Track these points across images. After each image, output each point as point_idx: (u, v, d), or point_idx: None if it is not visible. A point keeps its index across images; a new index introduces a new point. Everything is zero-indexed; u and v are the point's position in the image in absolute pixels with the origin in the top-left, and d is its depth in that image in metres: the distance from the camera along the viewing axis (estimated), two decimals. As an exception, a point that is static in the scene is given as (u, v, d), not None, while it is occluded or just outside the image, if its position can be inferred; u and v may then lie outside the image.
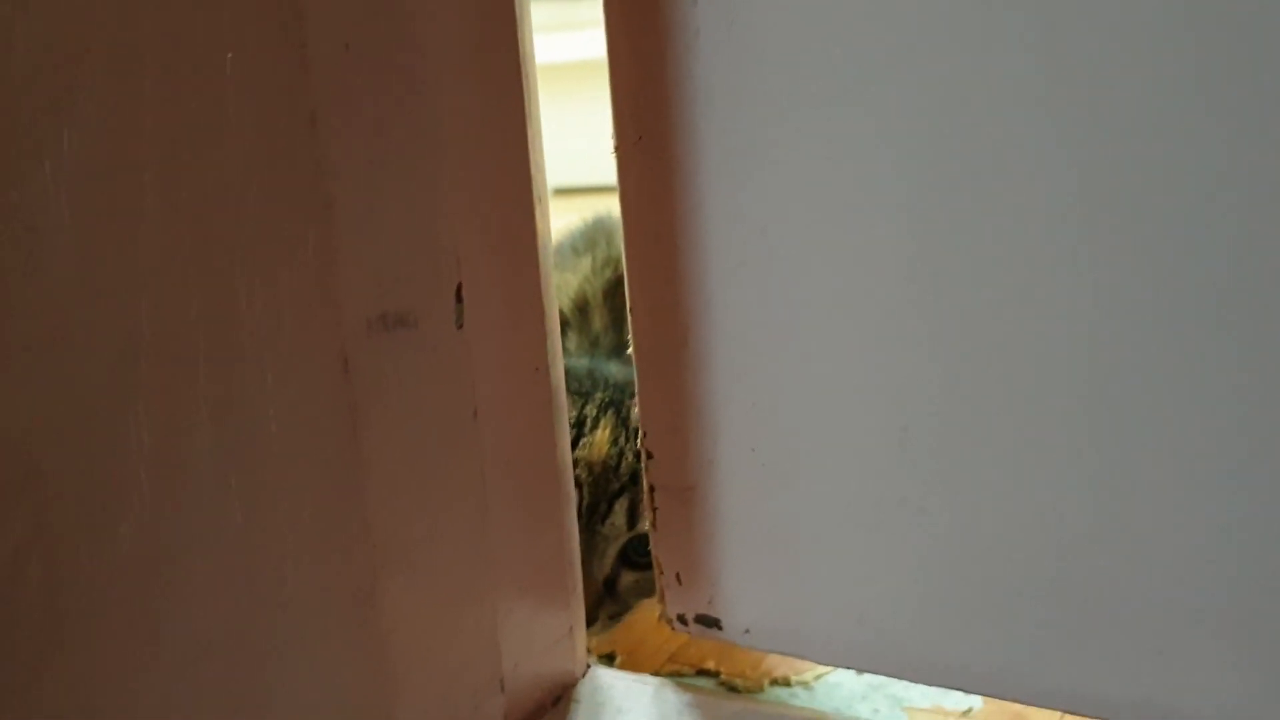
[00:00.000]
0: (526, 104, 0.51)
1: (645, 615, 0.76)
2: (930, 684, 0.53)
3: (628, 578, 0.74)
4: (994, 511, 0.49)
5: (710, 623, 0.59)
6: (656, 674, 0.67)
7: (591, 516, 0.72)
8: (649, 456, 0.58)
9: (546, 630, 0.54)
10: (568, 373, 0.77)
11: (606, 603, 0.73)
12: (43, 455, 0.32)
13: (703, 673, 0.69)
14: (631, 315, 0.57)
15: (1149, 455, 0.46)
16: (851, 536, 0.53)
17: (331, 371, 0.39)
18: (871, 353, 0.50)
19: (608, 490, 0.72)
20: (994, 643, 0.51)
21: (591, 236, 0.87)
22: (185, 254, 0.35)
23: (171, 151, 0.34)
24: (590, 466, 0.72)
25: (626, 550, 0.73)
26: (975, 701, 0.64)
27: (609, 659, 0.72)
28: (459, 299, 0.45)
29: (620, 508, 0.72)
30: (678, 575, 0.60)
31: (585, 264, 0.84)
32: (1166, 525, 0.46)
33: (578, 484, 0.72)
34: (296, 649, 0.39)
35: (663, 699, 0.55)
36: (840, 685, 0.67)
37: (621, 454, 0.73)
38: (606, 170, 0.53)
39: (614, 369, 0.77)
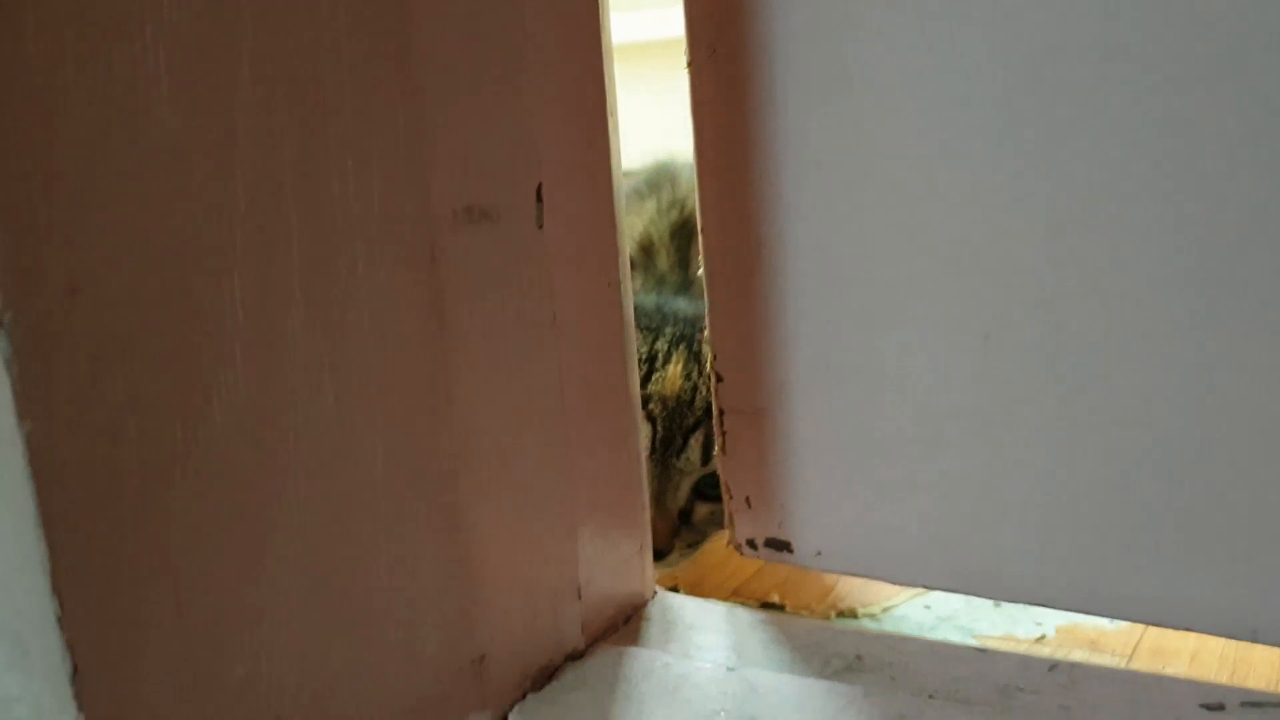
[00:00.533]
0: (601, 19, 0.51)
1: (708, 552, 0.76)
2: (1010, 600, 0.53)
3: (702, 509, 0.74)
4: (1081, 423, 0.49)
5: (780, 546, 0.59)
6: (722, 606, 0.67)
7: (666, 450, 0.73)
8: (719, 380, 0.58)
9: (618, 549, 0.54)
10: (636, 309, 0.77)
11: (683, 532, 0.74)
12: (141, 321, 0.33)
13: (767, 605, 0.68)
14: (702, 235, 0.57)
15: (1248, 364, 0.45)
16: (929, 453, 0.53)
17: (420, 258, 0.39)
18: (952, 259, 0.50)
19: (682, 425, 0.73)
20: (1077, 557, 0.50)
21: (655, 180, 0.87)
22: (279, 126, 0.35)
23: (267, 20, 0.34)
24: (664, 400, 0.73)
25: (699, 485, 0.74)
26: (1047, 629, 0.63)
27: (672, 591, 0.71)
28: (539, 199, 0.44)
29: (695, 443, 0.72)
30: (747, 499, 0.59)
31: (650, 207, 0.84)
32: (1264, 434, 0.45)
33: (651, 418, 0.72)
34: (386, 532, 0.39)
35: (735, 617, 0.54)
36: (907, 617, 0.67)
37: (695, 388, 0.73)
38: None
39: (682, 304, 0.77)
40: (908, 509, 0.54)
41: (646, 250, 0.83)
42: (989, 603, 0.68)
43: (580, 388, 0.49)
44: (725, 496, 0.60)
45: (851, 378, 0.54)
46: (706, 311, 0.58)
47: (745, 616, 0.55)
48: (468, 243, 0.41)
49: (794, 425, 0.56)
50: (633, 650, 0.49)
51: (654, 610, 0.56)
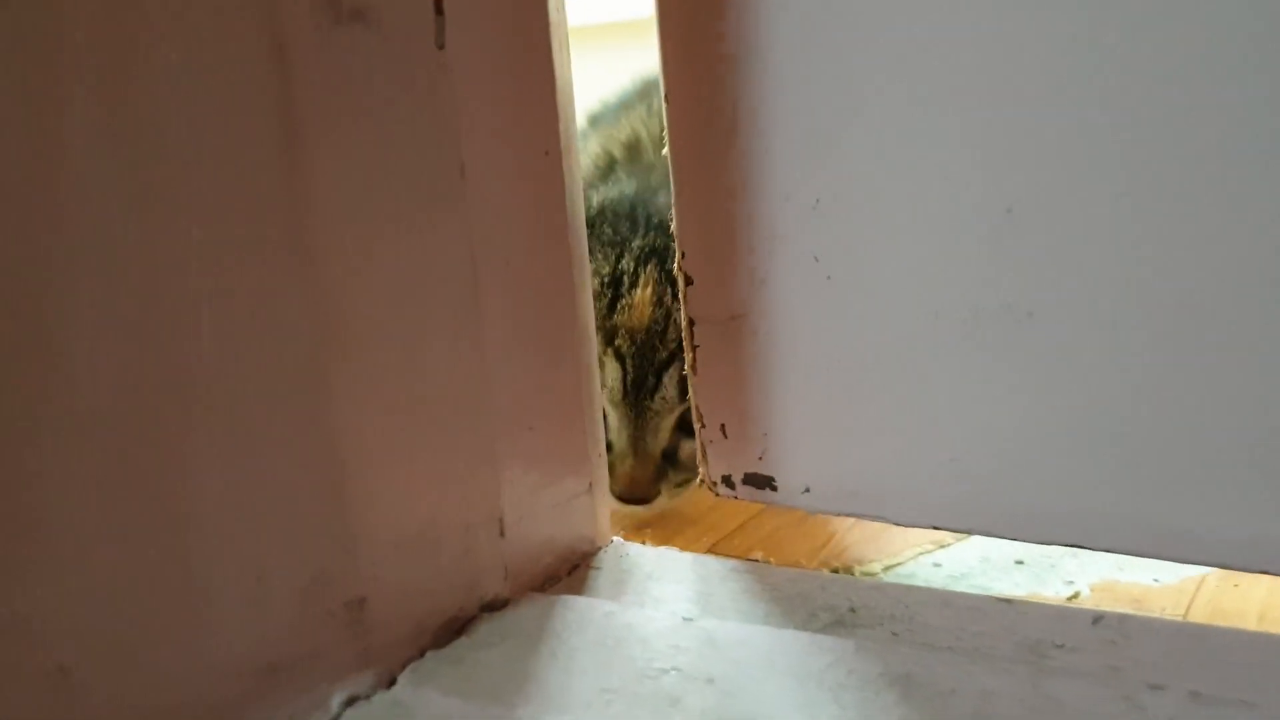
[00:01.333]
0: None
1: (679, 507, 0.65)
2: (1045, 541, 0.43)
3: (688, 446, 0.64)
4: (1121, 315, 0.39)
5: (762, 483, 0.49)
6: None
7: (639, 393, 0.62)
8: (688, 283, 0.48)
9: (559, 484, 0.44)
10: (603, 214, 0.67)
11: (669, 474, 0.64)
12: None
13: (751, 563, 0.58)
14: (666, 103, 0.46)
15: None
16: (941, 358, 0.43)
17: (258, 54, 0.29)
18: (968, 114, 0.40)
19: (654, 360, 0.62)
20: (1126, 486, 0.40)
21: (644, 90, 0.78)
22: None
23: None
24: (632, 335, 0.62)
25: (684, 419, 0.64)
26: (1080, 587, 0.53)
27: (639, 544, 0.61)
28: (439, 10, 0.34)
29: (670, 380, 0.62)
30: (722, 427, 0.49)
31: (640, 110, 0.75)
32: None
33: (619, 356, 0.62)
34: (219, 426, 0.29)
35: (705, 566, 0.45)
36: (914, 576, 0.57)
37: (669, 316, 0.62)
38: None
39: (662, 201, 0.67)
40: (915, 432, 0.44)
41: (632, 148, 0.73)
42: (1009, 559, 0.58)
43: (502, 275, 0.39)
44: (697, 425, 0.50)
45: (846, 270, 0.44)
46: (673, 196, 0.47)
47: (717, 566, 0.45)
48: (334, 46, 0.31)
49: (778, 334, 0.46)
50: (569, 599, 0.39)
51: (606, 558, 0.46)
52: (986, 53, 0.38)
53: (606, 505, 0.48)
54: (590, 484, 0.46)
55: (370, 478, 0.33)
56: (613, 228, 0.65)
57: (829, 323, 0.45)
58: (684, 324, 0.49)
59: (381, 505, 0.34)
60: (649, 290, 0.63)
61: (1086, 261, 0.39)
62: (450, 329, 0.37)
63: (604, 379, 0.62)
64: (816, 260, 0.45)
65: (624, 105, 0.78)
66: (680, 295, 0.49)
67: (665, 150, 0.47)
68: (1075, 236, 0.39)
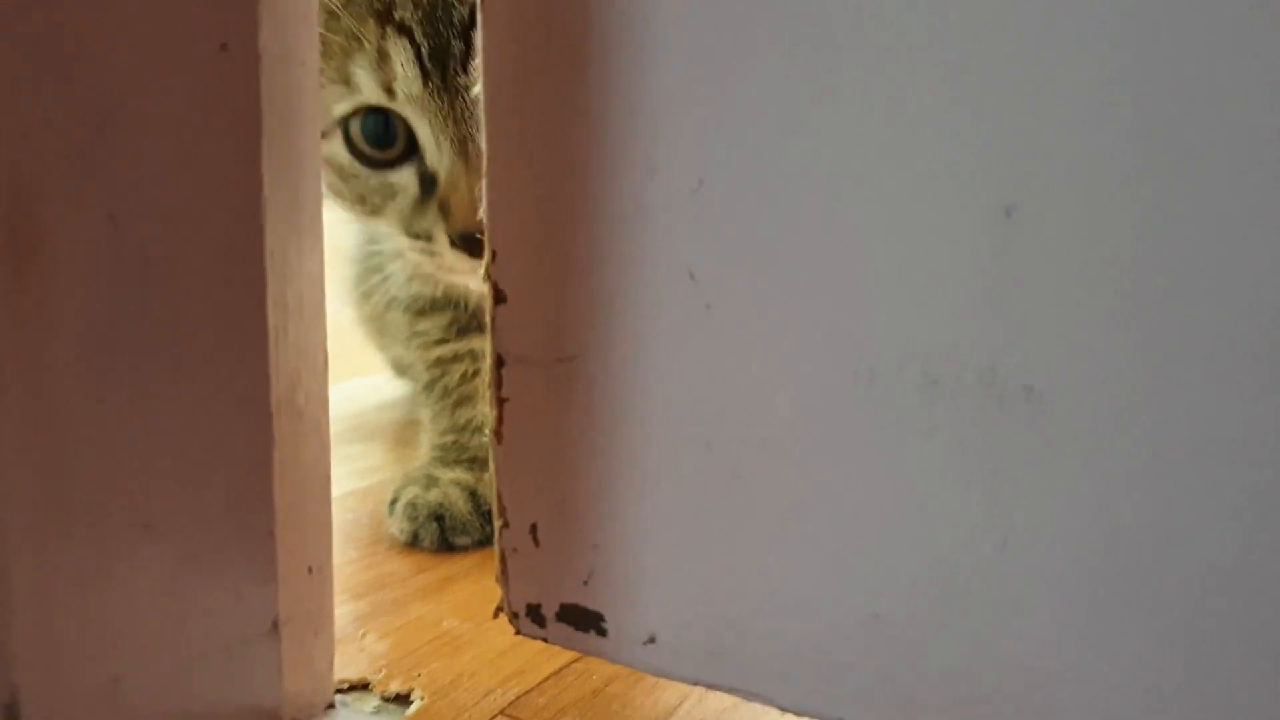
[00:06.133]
0: None
1: (486, 631, 0.46)
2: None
3: None
4: (1202, 400, 0.22)
5: (585, 621, 0.31)
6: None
7: (444, 69, 0.48)
8: (499, 300, 0.31)
9: (209, 622, 0.26)
10: None
11: None
12: None
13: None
14: (482, 12, 0.30)
15: None
16: (875, 448, 0.26)
17: None
18: (960, 48, 0.24)
19: (453, 19, 0.48)
20: (1174, 689, 0.23)
21: None
22: None
23: None
24: None
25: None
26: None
27: (401, 701, 0.42)
28: None
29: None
30: (533, 529, 0.32)
31: None
32: None
33: (404, 29, 0.48)
34: None
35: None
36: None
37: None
38: None
39: None
40: (823, 565, 0.27)
41: None
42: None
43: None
44: (498, 523, 0.33)
45: (738, 301, 0.28)
46: (484, 166, 0.31)
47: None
48: None
49: (626, 391, 0.30)
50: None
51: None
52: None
53: (323, 650, 0.30)
54: (276, 620, 0.28)
55: None
56: None
57: (705, 378, 0.28)
58: (489, 366, 0.32)
59: None
60: None
61: (1142, 300, 0.23)
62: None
63: (389, 70, 0.48)
64: (692, 278, 0.28)
65: None
66: (488, 317, 0.31)
67: (477, 88, 0.30)
68: (1122, 259, 0.23)
